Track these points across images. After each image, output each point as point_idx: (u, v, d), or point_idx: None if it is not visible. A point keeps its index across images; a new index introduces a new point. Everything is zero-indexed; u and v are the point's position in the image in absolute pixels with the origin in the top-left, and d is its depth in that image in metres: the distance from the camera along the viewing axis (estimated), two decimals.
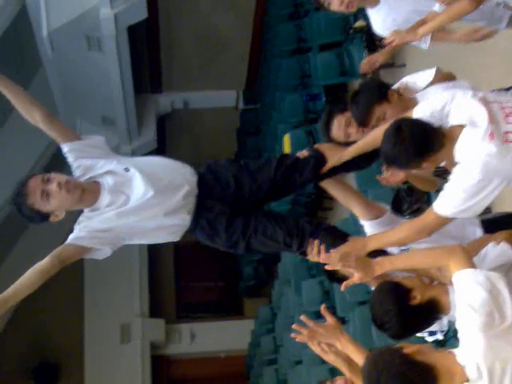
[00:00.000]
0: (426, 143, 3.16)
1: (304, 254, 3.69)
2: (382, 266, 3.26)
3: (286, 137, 10.73)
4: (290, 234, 3.65)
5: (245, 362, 15.51)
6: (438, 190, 3.36)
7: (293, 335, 3.56)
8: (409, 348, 2.74)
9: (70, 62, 11.26)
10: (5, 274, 11.99)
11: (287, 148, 10.63)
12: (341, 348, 3.46)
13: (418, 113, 3.35)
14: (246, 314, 16.38)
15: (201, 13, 12.68)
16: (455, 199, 3.18)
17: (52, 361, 15.39)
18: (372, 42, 8.92)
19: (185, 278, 17.22)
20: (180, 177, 3.69)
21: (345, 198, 3.96)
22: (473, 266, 2.92)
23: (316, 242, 3.52)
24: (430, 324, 3.30)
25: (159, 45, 13.36)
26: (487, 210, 3.58)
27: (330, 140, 3.85)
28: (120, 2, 10.42)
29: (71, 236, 3.55)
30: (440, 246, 3.24)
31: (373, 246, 3.51)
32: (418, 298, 3.17)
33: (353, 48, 9.79)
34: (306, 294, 10.44)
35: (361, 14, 9.16)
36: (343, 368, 3.59)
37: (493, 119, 3.13)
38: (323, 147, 3.83)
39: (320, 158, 3.77)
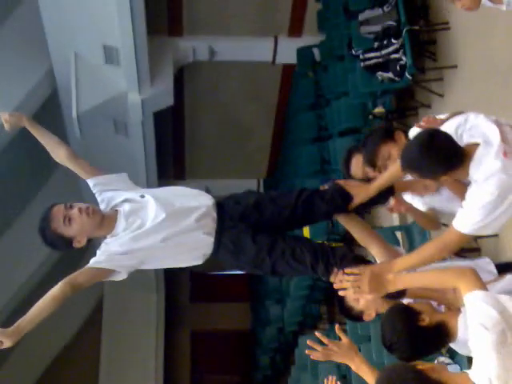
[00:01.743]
0: (453, 157, 3.24)
1: (328, 279, 3.70)
2: (394, 283, 3.31)
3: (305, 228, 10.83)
4: (317, 258, 3.69)
5: None
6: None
7: (307, 352, 3.61)
8: (422, 366, 2.81)
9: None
10: None
11: (306, 235, 10.71)
12: (354, 369, 3.51)
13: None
14: None
15: (225, 102, 13.04)
16: (474, 216, 3.24)
17: None
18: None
19: (200, 366, 17.09)
20: (193, 201, 3.82)
21: (363, 238, 3.97)
22: (484, 288, 2.98)
23: (340, 271, 3.55)
24: (437, 348, 3.35)
25: (184, 134, 13.73)
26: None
27: (349, 177, 3.99)
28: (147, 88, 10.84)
29: (92, 260, 3.72)
30: (452, 267, 3.32)
31: (398, 267, 3.51)
32: (426, 320, 3.22)
33: None
34: (323, 377, 10.30)
35: (381, 99, 9.48)
36: None
37: (505, 139, 3.24)
38: (345, 183, 3.89)
39: (342, 190, 3.84)
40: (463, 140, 3.34)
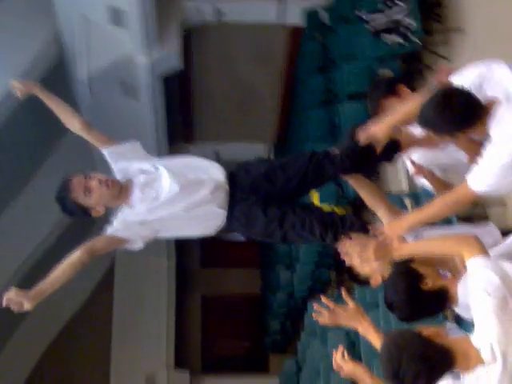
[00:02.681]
0: (470, 115, 3.22)
1: (337, 248, 3.78)
2: (399, 249, 3.38)
3: (314, 193, 10.82)
4: (326, 228, 3.80)
5: None
6: None
7: (314, 315, 3.64)
8: (427, 331, 2.82)
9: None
10: None
11: (316, 201, 10.70)
12: (362, 332, 3.55)
13: (457, 81, 3.39)
14: (272, 371, 16.24)
15: (233, 65, 12.97)
16: (489, 175, 3.22)
17: None
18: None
19: (211, 330, 17.22)
20: (205, 174, 3.93)
21: (371, 200, 4.06)
22: (487, 254, 3.01)
23: (347, 240, 3.66)
24: (436, 312, 3.39)
25: (192, 97, 13.72)
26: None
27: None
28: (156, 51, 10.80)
29: (109, 229, 3.86)
30: (456, 234, 3.36)
31: (408, 224, 3.56)
32: (429, 284, 3.27)
33: None
34: (331, 343, 10.37)
35: (388, 62, 9.41)
36: (363, 375, 3.64)
37: None
38: (360, 129, 3.89)
39: (354, 149, 3.89)
40: (484, 92, 3.30)
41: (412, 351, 2.74)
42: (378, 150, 3.84)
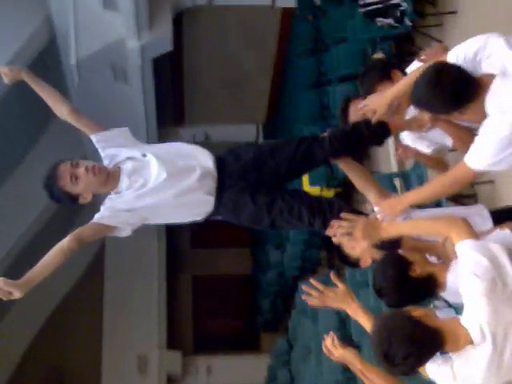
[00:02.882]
0: (464, 91, 3.14)
1: (325, 233, 3.75)
2: (387, 230, 3.34)
3: (304, 176, 10.85)
4: (314, 214, 3.78)
5: None
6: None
7: (303, 297, 3.68)
8: (416, 312, 2.88)
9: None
10: None
11: (306, 185, 10.75)
12: (351, 313, 3.59)
13: (452, 57, 3.30)
14: (264, 349, 16.38)
15: (224, 47, 12.96)
16: (487, 151, 3.13)
17: None
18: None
19: (203, 311, 17.32)
20: (194, 160, 3.89)
21: (361, 183, 4.02)
22: (475, 237, 3.01)
23: (336, 224, 3.59)
24: (424, 298, 3.41)
25: (183, 80, 13.70)
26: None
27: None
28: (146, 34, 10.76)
29: (96, 216, 3.81)
30: (444, 217, 3.34)
31: (407, 201, 3.52)
32: (417, 271, 3.28)
33: None
34: (322, 322, 10.50)
35: (380, 45, 9.44)
36: (353, 359, 3.70)
37: None
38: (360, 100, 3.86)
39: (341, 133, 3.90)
40: (481, 68, 3.23)
41: (401, 333, 2.80)
42: (373, 122, 3.79)
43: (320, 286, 3.63)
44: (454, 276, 3.22)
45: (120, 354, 15.39)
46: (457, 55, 3.29)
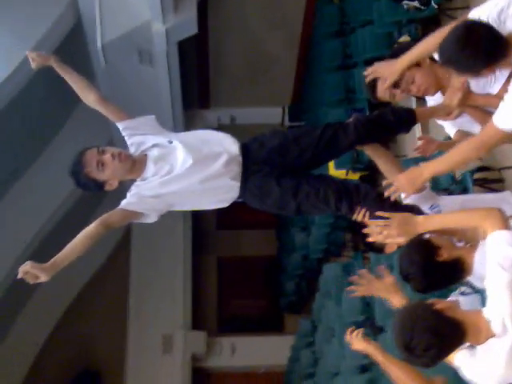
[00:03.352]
0: (495, 49, 3.10)
1: (352, 217, 3.81)
2: (423, 225, 3.31)
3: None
4: (340, 198, 3.78)
5: (284, 378, 15.54)
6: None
7: (351, 288, 3.75)
8: (440, 304, 2.90)
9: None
10: None
11: (332, 169, 10.74)
12: (396, 304, 3.64)
13: (475, 17, 3.26)
14: (287, 330, 16.45)
15: (249, 29, 12.93)
16: None
17: (94, 369, 15.69)
18: None
19: (227, 292, 17.40)
20: (219, 147, 3.92)
21: (386, 167, 4.01)
22: (508, 228, 3.00)
23: (363, 210, 3.68)
24: (451, 282, 3.42)
25: (208, 62, 13.70)
26: None
27: (375, 100, 3.96)
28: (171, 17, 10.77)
29: (123, 202, 3.88)
30: (479, 208, 3.30)
31: (430, 171, 3.45)
32: (444, 255, 3.28)
33: None
34: (346, 305, 10.52)
35: (406, 28, 9.37)
36: (376, 352, 3.76)
37: None
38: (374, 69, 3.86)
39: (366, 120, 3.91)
40: (507, 26, 3.19)
41: (424, 324, 2.82)
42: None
43: (369, 276, 3.72)
44: (479, 258, 3.22)
45: (145, 334, 15.51)
46: (479, 17, 3.25)
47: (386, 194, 3.58)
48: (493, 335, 2.86)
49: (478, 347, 2.94)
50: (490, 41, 3.10)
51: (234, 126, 14.45)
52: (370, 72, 3.87)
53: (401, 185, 3.49)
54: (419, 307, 2.91)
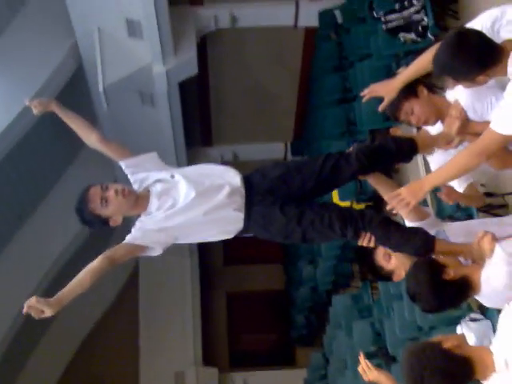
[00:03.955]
0: (488, 55, 3.12)
1: (357, 243, 3.82)
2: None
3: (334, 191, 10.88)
4: (345, 223, 3.78)
5: None
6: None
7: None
8: (447, 342, 2.91)
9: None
10: None
11: (336, 200, 10.79)
12: None
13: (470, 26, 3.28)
14: (299, 364, 16.38)
15: (248, 67, 13.08)
16: None
17: None
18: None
19: (237, 327, 17.37)
20: (221, 179, 3.96)
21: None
22: None
23: (368, 235, 3.70)
24: (460, 300, 3.39)
25: (209, 101, 13.83)
26: None
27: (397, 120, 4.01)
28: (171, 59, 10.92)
29: (128, 237, 3.91)
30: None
31: (431, 183, 3.47)
32: (451, 274, 3.27)
33: None
34: (357, 335, 10.51)
35: (404, 60, 9.47)
36: (388, 382, 3.80)
37: None
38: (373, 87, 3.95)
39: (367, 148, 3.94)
40: (500, 36, 3.22)
41: (434, 367, 2.83)
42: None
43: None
44: (485, 280, 3.22)
45: (157, 371, 15.46)
46: (474, 24, 3.31)
47: (389, 207, 3.60)
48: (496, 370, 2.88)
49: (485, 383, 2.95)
50: (482, 46, 3.13)
51: (236, 163, 14.52)
52: (367, 92, 3.94)
53: (403, 196, 3.50)
54: (427, 348, 2.91)
